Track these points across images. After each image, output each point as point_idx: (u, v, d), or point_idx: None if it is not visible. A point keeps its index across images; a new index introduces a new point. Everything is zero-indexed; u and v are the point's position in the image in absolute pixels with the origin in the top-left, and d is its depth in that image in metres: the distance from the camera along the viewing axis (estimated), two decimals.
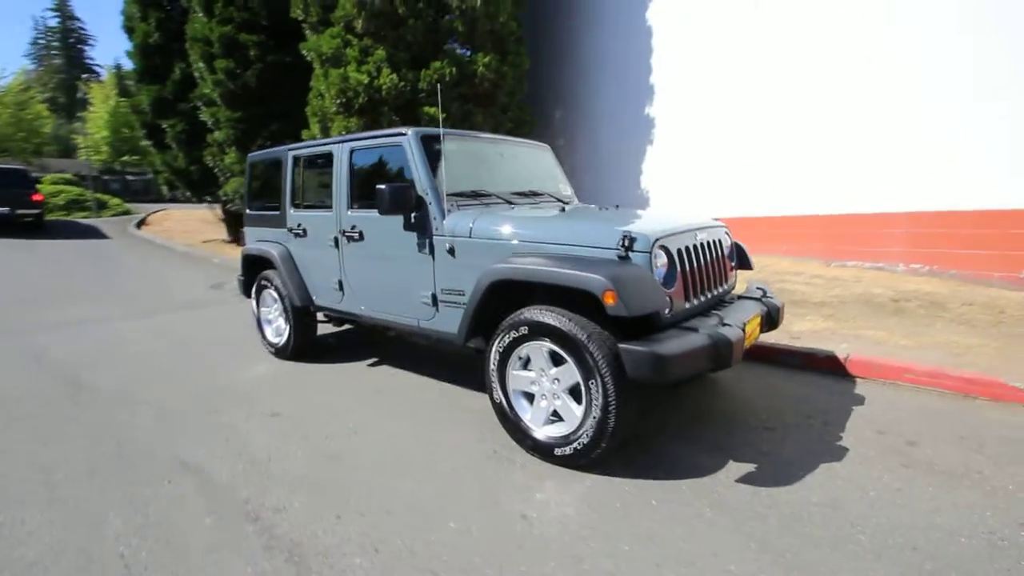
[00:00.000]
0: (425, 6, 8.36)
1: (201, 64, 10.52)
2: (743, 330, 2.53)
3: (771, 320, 3.08)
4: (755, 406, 3.27)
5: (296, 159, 4.12)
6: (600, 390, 2.33)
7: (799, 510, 2.19)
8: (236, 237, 13.77)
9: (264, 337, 4.64)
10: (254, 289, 4.65)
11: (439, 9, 8.52)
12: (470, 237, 2.96)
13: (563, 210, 3.16)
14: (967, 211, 5.42)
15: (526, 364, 2.70)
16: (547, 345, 2.54)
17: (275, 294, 4.39)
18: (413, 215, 3.14)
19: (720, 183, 7.97)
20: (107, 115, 30.22)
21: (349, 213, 3.65)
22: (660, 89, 8.83)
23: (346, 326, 4.92)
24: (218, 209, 14.17)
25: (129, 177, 34.40)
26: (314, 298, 4.14)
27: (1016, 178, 5.11)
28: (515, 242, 2.80)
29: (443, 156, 3.27)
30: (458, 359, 4.35)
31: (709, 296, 2.92)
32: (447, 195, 3.12)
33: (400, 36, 8.56)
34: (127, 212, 21.97)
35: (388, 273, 3.46)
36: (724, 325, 2.51)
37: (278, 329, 4.52)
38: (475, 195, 3.29)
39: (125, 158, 31.35)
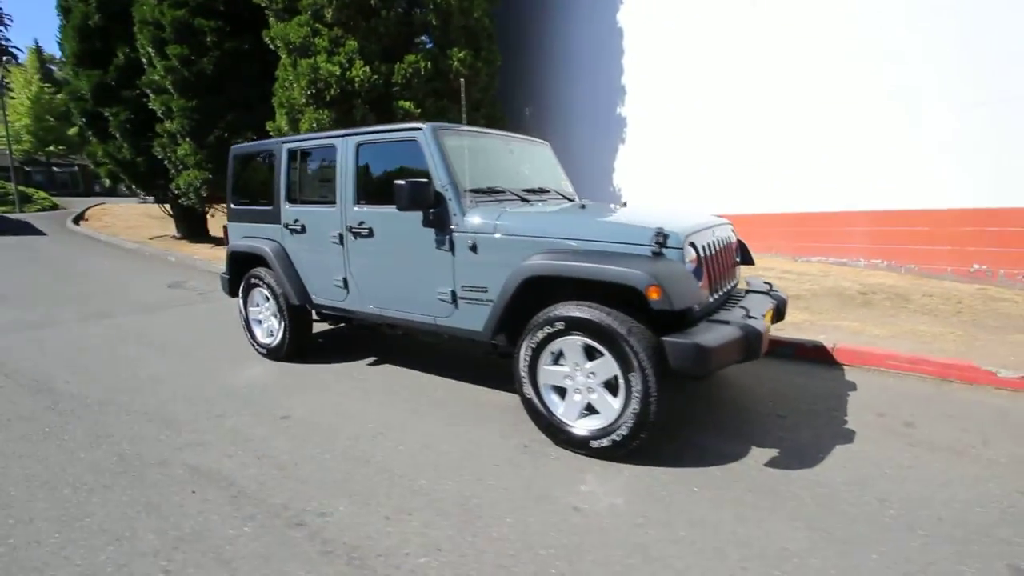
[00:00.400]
0: None
1: (150, 49, 9.88)
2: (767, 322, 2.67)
3: (780, 313, 3.25)
4: (758, 394, 3.44)
5: (292, 152, 3.96)
6: (641, 382, 2.40)
7: (829, 490, 2.33)
8: (188, 233, 13.05)
9: (253, 338, 4.44)
10: (241, 288, 4.44)
11: (411, 2, 8.37)
12: (494, 234, 2.96)
13: (583, 207, 3.20)
14: (921, 210, 5.88)
15: (557, 359, 2.73)
16: (582, 340, 2.58)
17: (267, 293, 4.21)
18: (432, 211, 3.10)
19: (690, 182, 8.26)
20: (29, 101, 27.78)
21: (356, 209, 3.55)
22: (632, 89, 9.05)
23: (340, 324, 4.79)
24: (167, 204, 13.36)
25: (55, 169, 31.80)
26: (313, 296, 4.00)
27: (965, 180, 5.59)
28: (543, 239, 2.81)
29: (461, 152, 3.24)
30: (462, 356, 4.33)
31: (723, 291, 3.05)
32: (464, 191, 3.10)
33: (372, 28, 8.36)
34: (55, 207, 20.33)
35: (401, 270, 3.39)
36: (750, 317, 2.64)
37: (270, 329, 4.34)
38: (490, 192, 3.29)
39: (50, 148, 28.94)
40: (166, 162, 10.83)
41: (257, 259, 4.30)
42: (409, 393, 3.57)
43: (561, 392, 2.76)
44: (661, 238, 2.53)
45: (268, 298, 4.25)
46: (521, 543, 2.01)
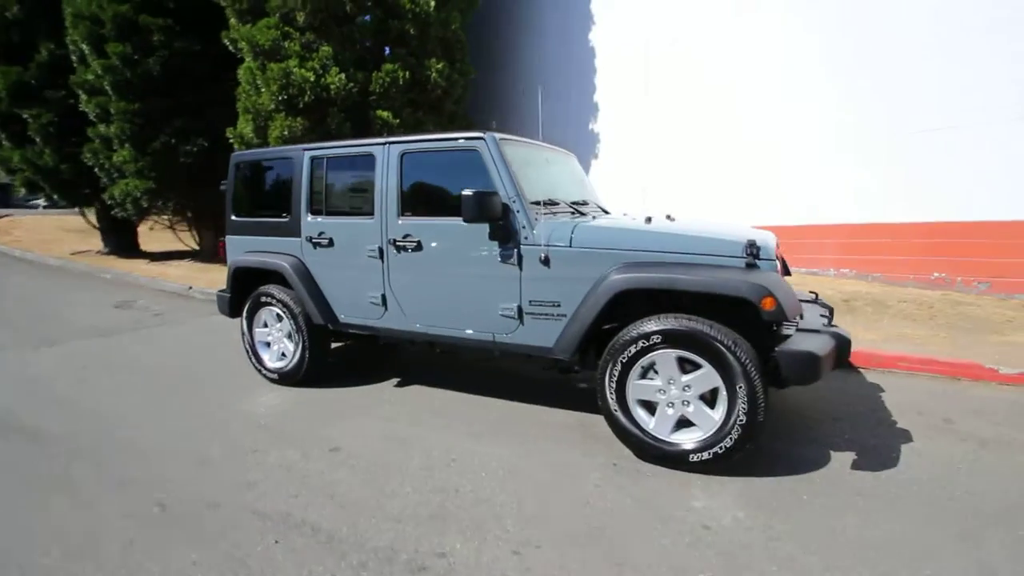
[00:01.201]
0: (374, 4, 7.95)
1: (85, 46, 8.94)
2: None
3: (830, 320, 3.39)
4: (802, 400, 3.56)
5: (317, 160, 3.67)
6: (747, 393, 2.40)
7: (926, 487, 2.43)
8: (116, 248, 11.82)
9: (260, 362, 4.04)
10: (246, 308, 4.04)
11: (387, 10, 8.14)
12: (570, 247, 2.88)
13: (648, 220, 3.19)
14: (884, 224, 6.44)
15: (645, 373, 2.68)
16: (676, 353, 2.55)
17: (280, 312, 3.86)
18: (500, 223, 2.97)
19: (664, 196, 8.55)
20: None
21: (401, 221, 3.34)
22: (605, 105, 9.29)
23: (348, 343, 4.48)
24: (91, 215, 12.06)
25: None
26: (340, 315, 3.71)
27: (922, 196, 6.19)
28: (623, 251, 2.77)
29: (519, 162, 3.15)
30: (495, 373, 4.17)
31: None
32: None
33: (347, 34, 8.05)
34: None
35: (455, 286, 3.22)
36: (832, 325, 2.72)
37: (282, 352, 3.97)
38: (546, 203, 3.20)
39: None
40: (97, 170, 9.77)
41: (268, 275, 3.94)
42: (459, 415, 3.37)
43: (648, 407, 2.70)
44: (754, 249, 2.57)
45: (281, 317, 3.89)
46: (671, 567, 1.92)
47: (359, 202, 3.56)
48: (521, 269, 3.00)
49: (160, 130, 9.05)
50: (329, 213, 3.68)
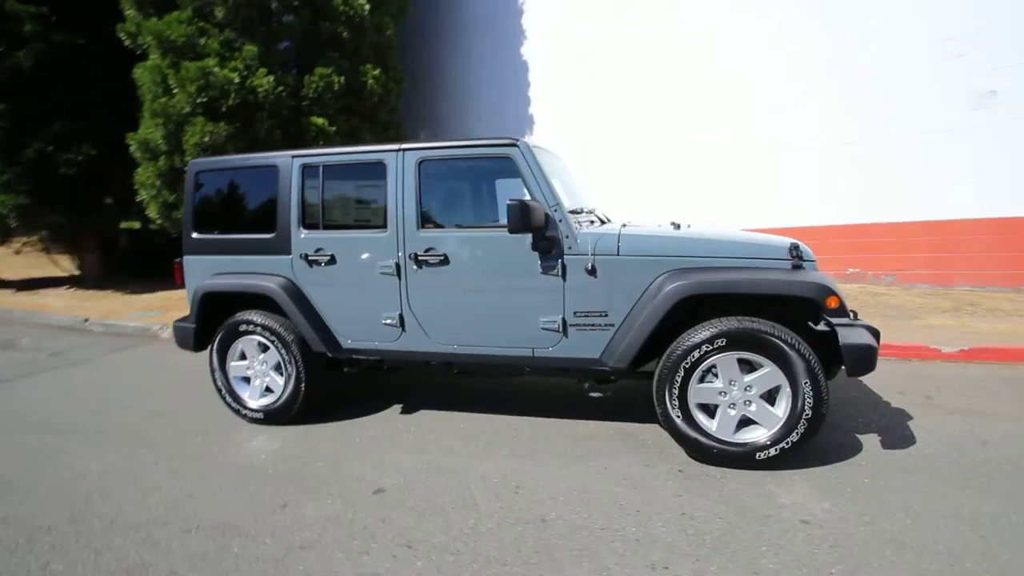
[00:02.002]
0: (302, 4, 7.40)
1: None
2: None
3: None
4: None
5: (310, 169, 3.28)
6: (812, 388, 2.51)
7: (952, 458, 2.70)
8: None
9: (237, 401, 3.51)
10: (218, 339, 3.49)
11: (317, 11, 7.61)
12: (618, 255, 2.84)
13: (677, 226, 3.23)
14: (805, 227, 7.23)
15: (703, 377, 2.71)
16: (738, 354, 2.61)
17: (267, 340, 3.38)
18: (545, 233, 2.85)
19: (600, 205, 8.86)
20: None
21: (423, 234, 3.08)
22: (540, 118, 9.44)
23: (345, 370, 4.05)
24: None
25: None
26: (343, 340, 3.33)
27: (841, 201, 7.03)
28: (672, 257, 2.79)
29: (551, 169, 3.06)
30: (504, 389, 3.99)
31: None
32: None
33: (273, 33, 7.40)
34: None
35: (489, 300, 3.03)
36: (858, 319, 2.95)
37: (268, 387, 3.48)
38: (575, 212, 3.14)
39: None
40: None
41: (249, 300, 3.45)
42: (491, 437, 3.17)
43: (707, 409, 2.73)
44: (798, 252, 2.71)
45: (266, 347, 3.41)
46: (801, 566, 1.94)
47: (367, 214, 3.24)
48: (565, 280, 2.90)
49: (34, 135, 7.65)
50: (328, 227, 3.31)
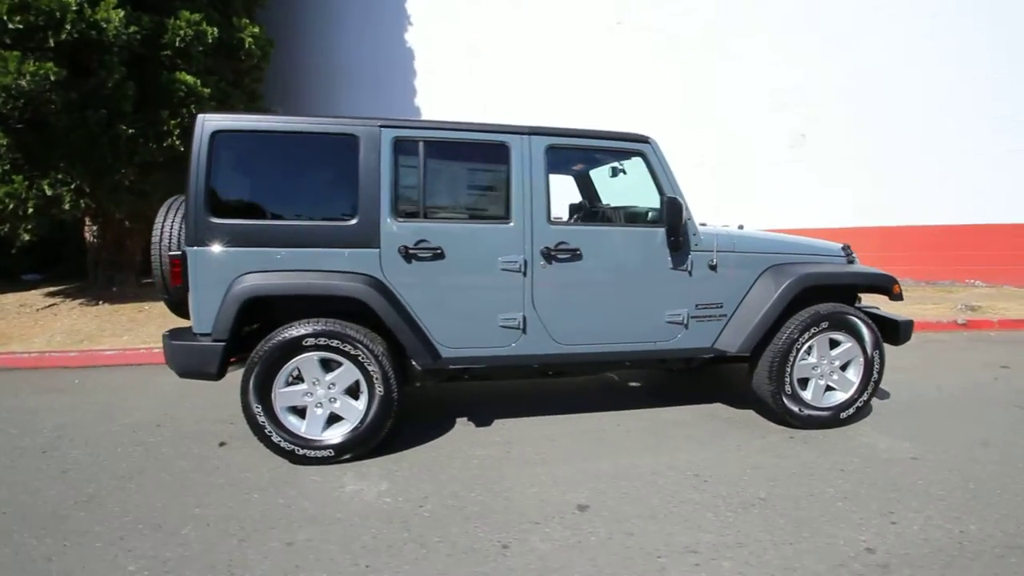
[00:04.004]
0: None
1: None
2: None
3: None
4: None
5: (404, 143, 2.70)
6: (880, 358, 3.21)
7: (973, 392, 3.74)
8: None
9: (294, 439, 2.68)
10: (261, 360, 2.61)
11: None
12: (734, 251, 3.12)
13: (740, 227, 3.63)
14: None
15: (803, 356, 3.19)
16: (831, 335, 3.16)
17: (343, 356, 2.66)
18: (682, 229, 2.96)
19: None
20: None
21: (554, 227, 2.85)
22: (427, 109, 9.08)
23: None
24: None
25: None
26: (443, 349, 2.84)
27: (772, 209, 8.51)
28: (772, 255, 3.21)
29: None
30: (532, 387, 3.87)
31: None
32: None
33: None
34: None
35: (621, 297, 2.99)
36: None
37: (329, 415, 2.74)
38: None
39: None
40: None
41: (313, 304, 2.66)
42: (604, 435, 3.11)
43: (803, 383, 3.22)
44: (848, 249, 3.41)
45: (331, 365, 2.68)
46: (969, 499, 2.51)
47: (483, 202, 2.85)
48: (691, 274, 3.06)
49: None
50: (430, 216, 2.78)
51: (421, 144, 2.74)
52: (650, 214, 3.13)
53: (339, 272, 2.68)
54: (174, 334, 2.71)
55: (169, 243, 2.86)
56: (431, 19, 8.87)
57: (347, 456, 2.72)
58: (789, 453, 2.92)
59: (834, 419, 3.20)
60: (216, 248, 2.60)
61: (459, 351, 2.88)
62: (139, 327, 5.33)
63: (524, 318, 2.90)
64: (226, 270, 2.60)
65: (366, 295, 2.63)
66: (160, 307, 6.23)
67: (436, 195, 2.85)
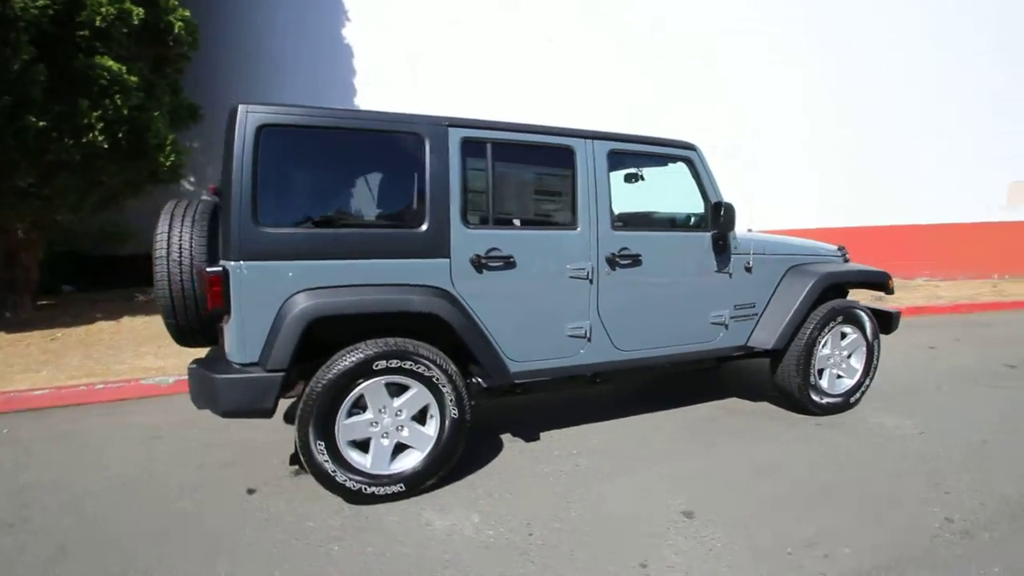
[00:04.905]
0: None
1: None
2: None
3: None
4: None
5: (472, 144, 2.51)
6: (877, 345, 3.58)
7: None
8: None
9: (357, 475, 2.37)
10: (324, 387, 2.28)
11: None
12: (765, 254, 3.31)
13: (750, 231, 3.82)
14: None
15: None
16: (842, 328, 3.46)
17: (415, 380, 2.42)
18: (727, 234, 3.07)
19: None
20: None
21: (619, 233, 2.82)
22: (367, 105, 8.58)
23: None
24: None
25: None
26: (512, 364, 2.68)
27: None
28: (792, 256, 3.46)
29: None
30: (559, 397, 3.82)
31: None
32: None
33: None
34: None
35: (676, 300, 3.04)
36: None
37: (405, 443, 2.47)
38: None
39: None
40: None
41: (371, 322, 2.38)
42: (652, 438, 3.14)
43: (820, 373, 3.49)
44: (843, 250, 3.77)
45: (399, 390, 2.43)
46: (983, 461, 2.88)
47: (549, 207, 2.75)
48: (731, 277, 3.19)
49: None
50: (499, 223, 2.61)
51: (489, 145, 2.57)
52: (692, 219, 3.22)
53: (406, 285, 2.42)
54: (210, 366, 2.27)
55: (180, 257, 2.42)
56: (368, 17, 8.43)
57: (420, 489, 2.46)
58: (826, 438, 3.14)
59: (845, 404, 3.51)
60: (268, 262, 2.23)
61: (525, 364, 2.74)
62: (59, 359, 4.41)
63: (590, 326, 2.83)
64: (281, 287, 2.24)
65: (443, 310, 2.41)
66: (79, 335, 5.23)
67: (504, 200, 2.70)
